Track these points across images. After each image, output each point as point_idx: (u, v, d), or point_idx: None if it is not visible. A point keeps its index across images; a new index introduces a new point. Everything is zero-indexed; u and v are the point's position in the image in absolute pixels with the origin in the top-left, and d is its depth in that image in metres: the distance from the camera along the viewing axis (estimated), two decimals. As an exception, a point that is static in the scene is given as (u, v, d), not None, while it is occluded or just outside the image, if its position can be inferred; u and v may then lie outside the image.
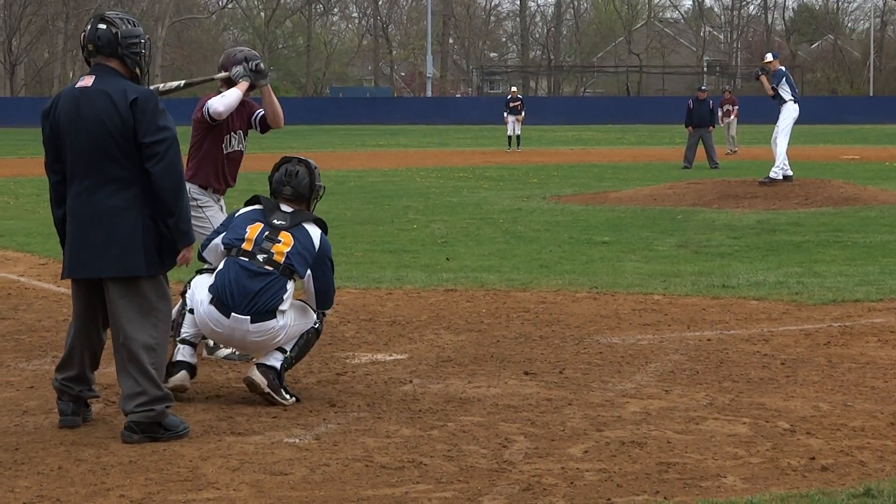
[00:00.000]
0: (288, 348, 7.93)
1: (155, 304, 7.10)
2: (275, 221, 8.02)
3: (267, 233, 7.98)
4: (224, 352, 9.27)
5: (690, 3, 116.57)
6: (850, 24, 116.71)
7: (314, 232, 8.07)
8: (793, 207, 21.02)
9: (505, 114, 45.41)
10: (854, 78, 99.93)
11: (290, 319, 7.94)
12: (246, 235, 7.97)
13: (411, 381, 8.50)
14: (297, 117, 74.09)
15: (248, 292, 7.77)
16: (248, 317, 7.76)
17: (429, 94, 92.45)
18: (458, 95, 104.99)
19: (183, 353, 8.00)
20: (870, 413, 7.59)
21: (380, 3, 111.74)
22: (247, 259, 7.88)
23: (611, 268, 14.11)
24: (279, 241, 7.94)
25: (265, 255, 7.89)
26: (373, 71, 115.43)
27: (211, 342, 9.33)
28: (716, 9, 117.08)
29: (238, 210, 8.22)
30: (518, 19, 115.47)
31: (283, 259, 7.88)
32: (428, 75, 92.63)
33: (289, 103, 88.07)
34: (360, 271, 13.70)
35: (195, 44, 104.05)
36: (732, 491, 6.13)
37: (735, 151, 40.47)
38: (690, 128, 34.49)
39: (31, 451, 6.81)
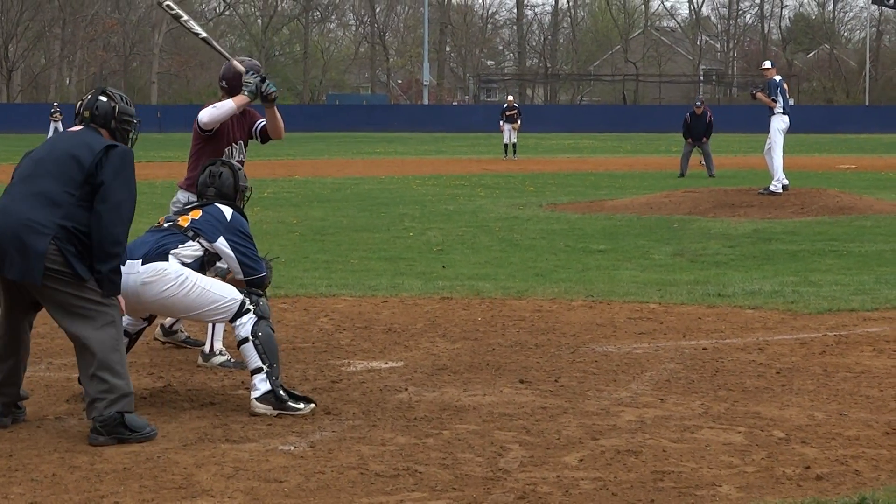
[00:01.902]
0: (258, 363, 7.83)
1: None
2: (188, 206, 8.32)
3: (178, 212, 8.29)
4: (219, 359, 9.27)
5: (687, 11, 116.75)
6: (845, 34, 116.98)
7: (226, 209, 8.21)
8: (788, 216, 21.03)
9: (501, 122, 45.45)
10: (850, 87, 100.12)
11: (195, 277, 7.85)
12: (160, 219, 8.28)
13: (406, 389, 8.49)
14: (294, 124, 73.96)
15: (142, 243, 7.90)
16: (139, 260, 7.80)
17: (425, 101, 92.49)
18: (455, 103, 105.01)
19: None
20: (865, 422, 7.58)
21: (377, 10, 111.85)
22: (154, 227, 8.14)
23: (606, 276, 14.11)
24: (186, 214, 8.18)
25: (170, 223, 8.12)
26: (370, 78, 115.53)
27: (206, 349, 9.35)
28: (712, 18, 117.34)
29: None
30: (515, 27, 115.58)
31: (188, 223, 8.07)
32: (425, 83, 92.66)
33: (286, 110, 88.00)
34: (356, 279, 13.69)
35: (192, 50, 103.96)
36: (727, 500, 6.12)
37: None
38: (689, 140, 34.50)
39: (25, 457, 6.80)
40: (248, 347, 7.85)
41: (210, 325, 9.26)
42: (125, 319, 8.28)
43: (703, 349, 9.84)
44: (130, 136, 7.58)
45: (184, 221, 8.10)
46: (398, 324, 11.05)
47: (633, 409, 7.90)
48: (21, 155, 7.65)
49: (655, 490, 6.27)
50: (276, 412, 7.73)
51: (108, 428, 7.05)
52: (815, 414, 7.79)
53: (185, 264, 7.89)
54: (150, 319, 8.55)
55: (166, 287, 7.80)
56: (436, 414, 7.79)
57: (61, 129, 64.17)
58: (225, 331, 9.28)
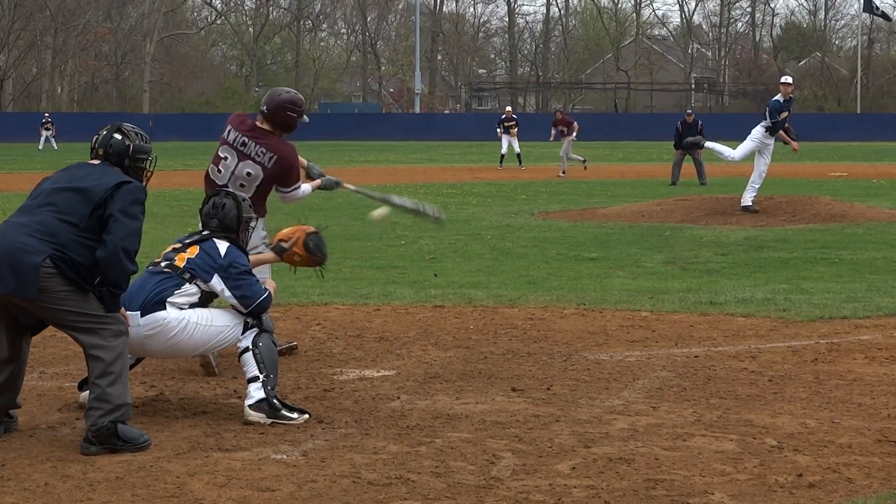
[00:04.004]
0: (255, 372, 7.87)
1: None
2: (188, 240, 8.18)
3: (177, 247, 8.16)
4: None
5: (678, 20, 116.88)
6: (837, 42, 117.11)
7: (222, 244, 8.13)
8: (780, 224, 21.05)
9: (499, 131, 45.42)
10: (841, 95, 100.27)
11: (196, 317, 7.86)
12: (161, 254, 8.20)
13: (399, 398, 8.49)
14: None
15: (139, 290, 7.86)
16: (138, 312, 7.78)
17: (417, 110, 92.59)
18: (447, 112, 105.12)
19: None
20: (857, 430, 7.59)
21: (368, 19, 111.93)
22: (151, 268, 8.05)
23: (598, 284, 14.11)
24: (184, 252, 8.09)
25: (167, 262, 8.05)
26: (361, 87, 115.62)
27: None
28: (704, 26, 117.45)
29: None
30: (506, 35, 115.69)
31: (184, 263, 8.00)
32: (416, 91, 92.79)
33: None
34: (348, 287, 13.69)
35: (184, 59, 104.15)
36: (720, 508, 6.14)
37: (564, 174, 39.04)
38: (679, 151, 34.52)
39: (18, 466, 6.79)
40: (248, 357, 7.90)
41: None
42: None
43: (695, 357, 9.85)
44: (145, 172, 7.55)
45: (180, 261, 8.02)
46: (390, 332, 11.05)
47: (625, 417, 7.90)
48: (11, 163, 7.68)
49: (648, 498, 6.27)
50: (269, 421, 7.74)
51: (100, 438, 7.06)
52: (807, 421, 7.80)
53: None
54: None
55: (170, 336, 7.83)
56: (428, 422, 7.79)
57: (53, 139, 64.16)
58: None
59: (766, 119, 22.55)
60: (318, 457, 6.98)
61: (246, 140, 9.45)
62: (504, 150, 45.14)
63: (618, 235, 19.68)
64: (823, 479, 6.58)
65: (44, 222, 7.13)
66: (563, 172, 38.95)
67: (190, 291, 7.92)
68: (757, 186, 22.73)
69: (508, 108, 48.92)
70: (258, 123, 9.54)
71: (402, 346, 10.42)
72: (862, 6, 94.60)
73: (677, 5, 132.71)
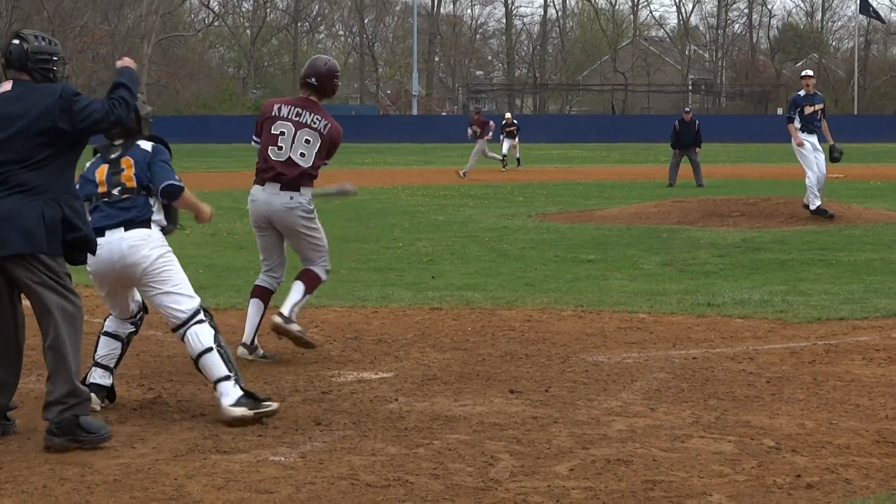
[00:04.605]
0: (225, 371, 7.87)
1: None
2: (112, 156, 8.21)
3: (111, 168, 8.18)
4: (262, 351, 9.94)
5: (676, 21, 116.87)
6: (833, 44, 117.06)
7: (146, 144, 8.23)
8: (777, 226, 21.06)
9: (501, 136, 45.48)
10: (838, 96, 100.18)
11: (172, 255, 8.04)
12: (97, 180, 8.18)
13: (397, 400, 8.49)
14: (283, 135, 73.79)
15: (108, 217, 7.96)
16: (122, 227, 7.91)
17: (415, 112, 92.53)
18: (444, 113, 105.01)
19: (93, 376, 8.22)
20: (855, 431, 7.60)
21: (366, 21, 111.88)
22: (107, 199, 8.07)
23: (596, 286, 14.12)
24: (123, 170, 8.13)
25: (119, 188, 8.08)
26: (359, 89, 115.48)
27: (248, 340, 9.82)
28: (701, 27, 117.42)
29: (85, 168, 8.35)
30: (504, 37, 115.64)
31: (135, 182, 8.08)
32: (414, 93, 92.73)
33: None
34: (346, 289, 13.68)
35: (181, 61, 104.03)
36: (718, 509, 6.14)
37: (464, 175, 38.75)
38: (677, 150, 34.53)
39: (16, 469, 6.79)
40: (213, 357, 7.88)
41: (297, 293, 9.93)
42: (113, 322, 8.34)
43: (693, 358, 9.85)
44: (56, 73, 7.52)
45: (130, 182, 8.07)
46: (388, 334, 11.05)
47: (623, 419, 7.91)
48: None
49: (646, 499, 6.28)
50: (252, 412, 7.74)
51: (63, 430, 7.12)
52: (805, 423, 7.80)
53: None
54: (137, 324, 8.53)
55: (152, 251, 7.93)
56: (426, 424, 7.79)
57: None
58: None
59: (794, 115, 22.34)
60: (317, 459, 6.98)
61: (300, 110, 9.94)
62: (505, 151, 45.14)
63: (615, 237, 19.69)
64: (821, 480, 6.58)
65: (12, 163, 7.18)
66: (464, 174, 38.89)
67: (156, 207, 8.10)
68: (810, 187, 21.93)
69: (508, 115, 48.73)
70: (310, 98, 10.05)
71: (399, 348, 10.42)
72: (858, 7, 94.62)
73: (674, 7, 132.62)
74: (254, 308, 10.04)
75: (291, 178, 9.87)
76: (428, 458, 7.01)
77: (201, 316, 7.97)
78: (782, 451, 7.15)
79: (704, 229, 20.56)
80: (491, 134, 41.51)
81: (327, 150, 10.01)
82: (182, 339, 8.03)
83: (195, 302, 8.01)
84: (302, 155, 9.87)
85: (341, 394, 8.68)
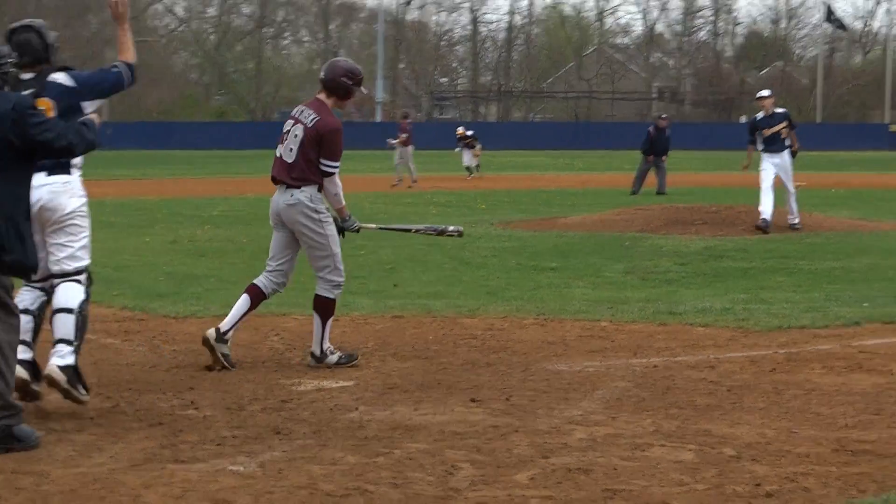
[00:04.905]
0: (71, 336, 7.98)
1: None
2: (24, 93, 7.97)
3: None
4: (332, 358, 9.96)
5: (641, 28, 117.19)
6: (798, 52, 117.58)
7: (60, 76, 8.17)
8: (739, 234, 21.12)
9: (457, 149, 45.61)
10: (801, 105, 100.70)
11: (82, 195, 8.11)
12: None
13: (357, 409, 8.46)
14: (245, 142, 73.89)
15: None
16: (44, 171, 7.90)
17: (378, 119, 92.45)
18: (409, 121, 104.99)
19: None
20: (814, 439, 7.61)
21: (331, 27, 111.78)
22: None
23: (558, 294, 14.12)
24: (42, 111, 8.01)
25: None
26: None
27: (316, 351, 9.92)
28: (666, 34, 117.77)
29: None
30: (469, 44, 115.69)
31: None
32: (378, 100, 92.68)
33: (238, 128, 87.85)
34: (307, 298, 13.56)
35: (145, 66, 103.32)
36: (677, 518, 6.14)
37: (415, 181, 39.03)
38: (651, 157, 34.40)
39: (-29, 479, 6.73)
40: (69, 318, 8.01)
41: (317, 328, 10.00)
42: (26, 296, 8.25)
43: (654, 367, 9.86)
44: (7, 76, 7.45)
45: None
46: (349, 343, 11.02)
47: (584, 428, 7.90)
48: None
49: (606, 509, 6.26)
50: (66, 386, 7.88)
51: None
52: (765, 431, 7.81)
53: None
54: (47, 289, 8.39)
55: (70, 199, 7.99)
56: (386, 433, 7.76)
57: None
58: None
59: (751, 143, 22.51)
60: (276, 468, 6.94)
61: (304, 108, 10.20)
62: (466, 162, 45.36)
63: (578, 245, 19.70)
64: (781, 489, 6.58)
65: None
66: (399, 181, 39.04)
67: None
68: (788, 201, 22.08)
69: (460, 129, 48.03)
70: (318, 96, 10.19)
71: (360, 356, 10.38)
72: (824, 15, 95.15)
73: (640, 14, 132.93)
74: (241, 302, 10.12)
75: (288, 175, 9.99)
76: (388, 467, 6.98)
77: (82, 277, 8.08)
78: (742, 459, 7.15)
79: (667, 237, 20.60)
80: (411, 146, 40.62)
81: (314, 145, 9.97)
82: (53, 287, 8.16)
83: (85, 263, 8.13)
84: (290, 150, 10.01)
85: (301, 402, 8.64)
